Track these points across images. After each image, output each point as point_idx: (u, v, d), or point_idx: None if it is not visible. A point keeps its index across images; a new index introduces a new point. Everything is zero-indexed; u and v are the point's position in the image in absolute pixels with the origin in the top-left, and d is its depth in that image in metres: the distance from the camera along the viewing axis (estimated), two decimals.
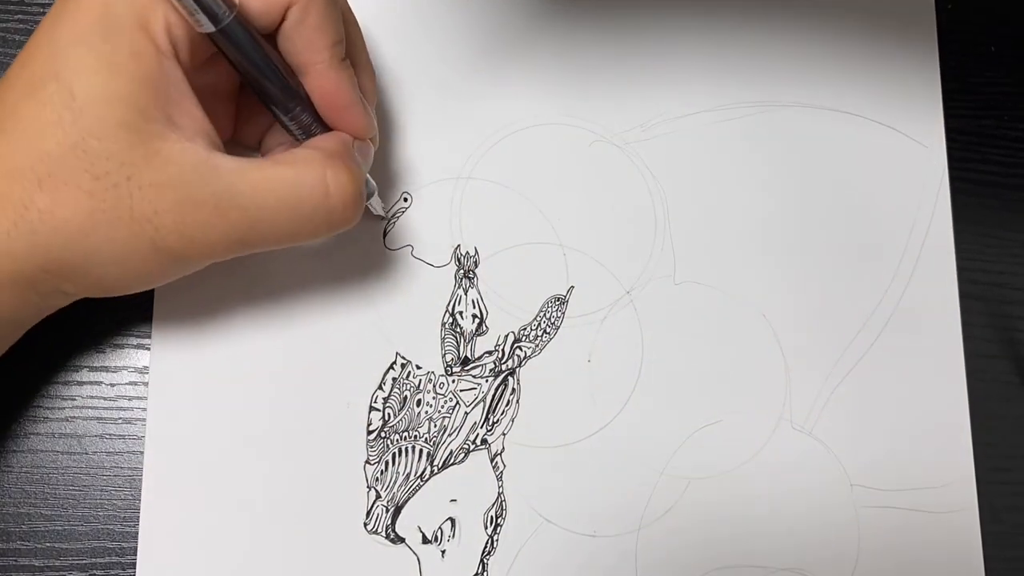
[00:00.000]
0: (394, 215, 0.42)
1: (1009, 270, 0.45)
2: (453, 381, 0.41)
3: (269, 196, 0.32)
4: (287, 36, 0.33)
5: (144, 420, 0.40)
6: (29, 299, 0.33)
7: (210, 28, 0.31)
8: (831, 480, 0.42)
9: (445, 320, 0.41)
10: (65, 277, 0.32)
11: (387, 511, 0.40)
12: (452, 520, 0.40)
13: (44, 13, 0.42)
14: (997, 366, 0.44)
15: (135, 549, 0.39)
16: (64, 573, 0.39)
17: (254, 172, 0.32)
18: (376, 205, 0.40)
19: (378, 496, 0.40)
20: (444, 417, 0.41)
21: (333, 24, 0.34)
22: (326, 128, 0.36)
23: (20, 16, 0.43)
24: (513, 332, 0.42)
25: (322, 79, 0.34)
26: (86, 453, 0.39)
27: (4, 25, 0.43)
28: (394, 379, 0.41)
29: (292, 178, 0.33)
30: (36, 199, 0.30)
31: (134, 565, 0.39)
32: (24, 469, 0.39)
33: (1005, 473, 0.43)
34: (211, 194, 0.31)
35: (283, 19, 0.33)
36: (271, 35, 0.34)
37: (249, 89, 0.36)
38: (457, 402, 0.41)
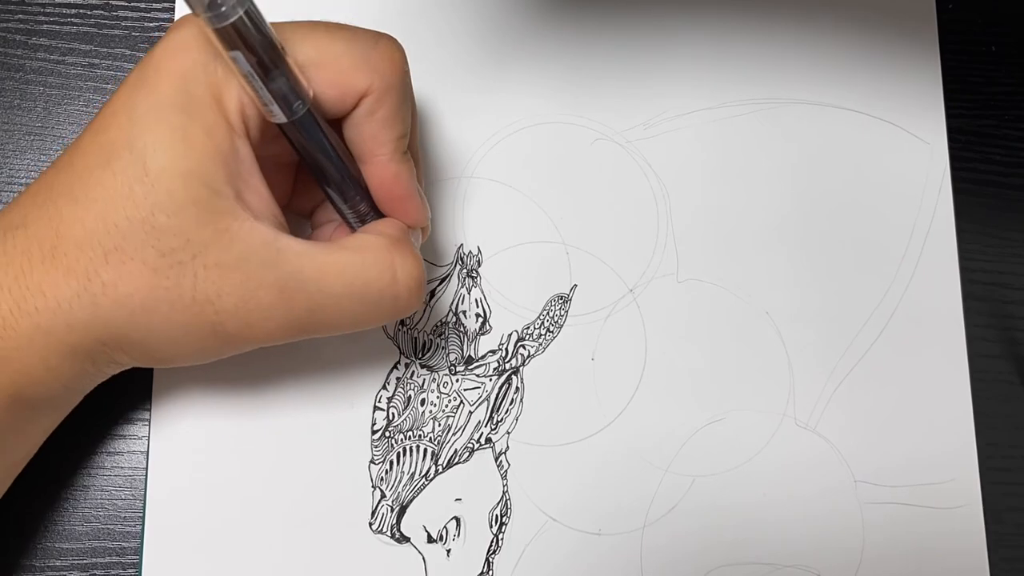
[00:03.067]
0: None
1: (1009, 270, 0.46)
2: (457, 380, 0.41)
3: (336, 281, 0.32)
4: (355, 125, 0.33)
5: (147, 419, 0.40)
6: (85, 369, 0.33)
7: (282, 119, 0.31)
8: (835, 477, 0.42)
9: (449, 319, 0.42)
10: (122, 350, 0.32)
11: (392, 511, 0.40)
12: (457, 519, 0.40)
13: (44, 13, 0.43)
14: (998, 366, 0.45)
15: (136, 549, 0.39)
16: (64, 573, 0.39)
17: (321, 256, 0.32)
18: None
19: (383, 496, 0.40)
20: (448, 416, 0.41)
21: (402, 117, 0.34)
22: (379, 215, 0.36)
23: (20, 16, 0.43)
24: (516, 331, 0.42)
25: (384, 170, 0.34)
26: (87, 452, 0.40)
27: (4, 25, 0.43)
28: (398, 378, 0.41)
29: (360, 264, 0.32)
30: (100, 271, 0.30)
31: (135, 565, 0.39)
32: (24, 469, 0.39)
33: (1006, 473, 0.44)
34: (276, 277, 0.31)
35: (354, 107, 0.33)
36: (337, 120, 0.34)
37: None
38: (461, 401, 0.41)
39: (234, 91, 0.31)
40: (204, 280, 0.30)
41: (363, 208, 0.35)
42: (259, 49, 0.28)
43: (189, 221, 0.30)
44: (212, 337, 0.32)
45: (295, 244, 0.32)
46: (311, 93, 0.31)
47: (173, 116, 0.30)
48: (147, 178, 0.29)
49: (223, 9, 0.27)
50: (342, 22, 0.34)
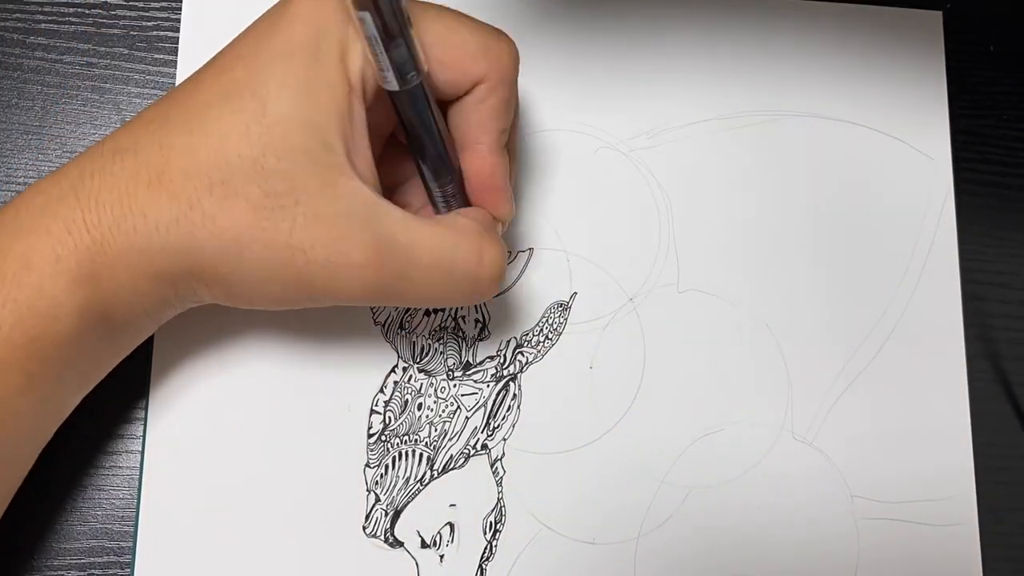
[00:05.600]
0: None
1: (1008, 270, 0.47)
2: (454, 386, 0.43)
3: (427, 254, 0.34)
4: (464, 111, 0.35)
5: (144, 420, 0.41)
6: (167, 297, 0.35)
7: (395, 87, 0.33)
8: (831, 491, 0.43)
9: (447, 324, 0.43)
10: (206, 283, 0.34)
11: (386, 515, 0.41)
12: (451, 525, 0.41)
13: (42, 12, 0.44)
14: (996, 365, 0.46)
15: (133, 549, 0.40)
16: (62, 573, 0.40)
17: (417, 227, 0.34)
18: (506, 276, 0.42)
19: (377, 500, 0.41)
20: (445, 421, 0.42)
21: (508, 111, 0.36)
22: (466, 201, 0.38)
23: (18, 15, 0.44)
24: (515, 338, 0.43)
25: (483, 160, 0.36)
26: (83, 451, 0.41)
27: (2, 24, 0.44)
28: (395, 382, 0.42)
29: (452, 240, 0.35)
30: (203, 201, 0.32)
31: (131, 565, 0.40)
32: None
33: (1005, 473, 0.45)
34: (372, 238, 0.33)
35: (466, 92, 0.35)
36: (445, 104, 0.36)
37: (400, 143, 0.38)
38: (458, 407, 0.42)
39: (358, 52, 0.33)
40: (301, 228, 0.32)
41: (450, 190, 0.37)
42: (387, 14, 0.30)
43: (298, 168, 0.32)
44: (296, 285, 0.34)
45: (393, 210, 0.34)
46: (426, 68, 0.33)
47: (300, 65, 0.32)
48: (264, 120, 0.32)
49: None
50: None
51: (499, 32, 0.36)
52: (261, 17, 0.34)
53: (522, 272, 0.44)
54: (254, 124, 0.32)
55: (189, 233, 0.32)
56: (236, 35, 0.34)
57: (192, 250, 0.33)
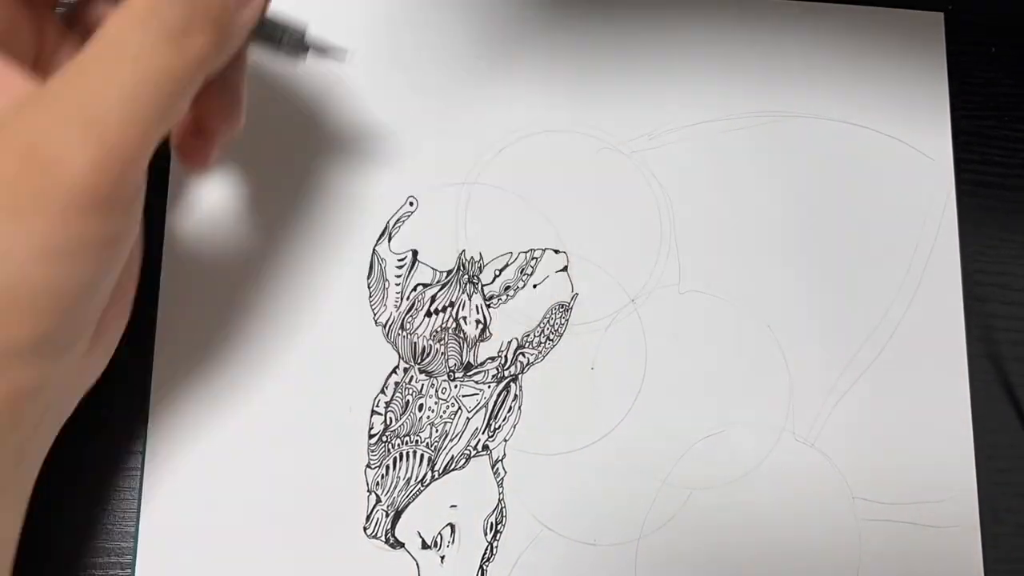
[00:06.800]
0: (399, 219, 0.44)
1: (1010, 270, 0.48)
2: (455, 386, 0.43)
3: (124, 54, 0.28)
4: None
5: (145, 421, 0.42)
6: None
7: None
8: (833, 492, 0.44)
9: (448, 325, 0.44)
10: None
11: (387, 516, 0.42)
12: (452, 526, 0.42)
13: None
14: (999, 367, 0.47)
15: (133, 549, 0.41)
16: (62, 573, 0.40)
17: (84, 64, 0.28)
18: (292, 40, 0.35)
19: (378, 500, 0.42)
20: (446, 422, 0.43)
21: None
22: None
23: None
24: (516, 338, 0.44)
25: None
26: (85, 452, 0.41)
27: None
28: (396, 383, 0.43)
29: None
30: None
31: (132, 565, 0.40)
32: None
33: (1007, 474, 0.45)
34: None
35: None
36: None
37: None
38: (459, 407, 0.43)
39: None
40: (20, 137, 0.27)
41: None
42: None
43: None
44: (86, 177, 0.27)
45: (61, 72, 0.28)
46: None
47: None
48: None
49: None
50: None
51: None
52: None
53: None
54: None
55: None
56: None
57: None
